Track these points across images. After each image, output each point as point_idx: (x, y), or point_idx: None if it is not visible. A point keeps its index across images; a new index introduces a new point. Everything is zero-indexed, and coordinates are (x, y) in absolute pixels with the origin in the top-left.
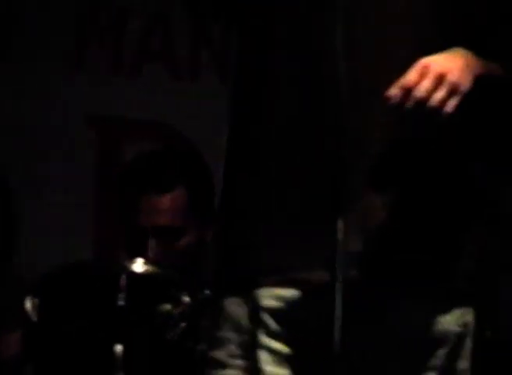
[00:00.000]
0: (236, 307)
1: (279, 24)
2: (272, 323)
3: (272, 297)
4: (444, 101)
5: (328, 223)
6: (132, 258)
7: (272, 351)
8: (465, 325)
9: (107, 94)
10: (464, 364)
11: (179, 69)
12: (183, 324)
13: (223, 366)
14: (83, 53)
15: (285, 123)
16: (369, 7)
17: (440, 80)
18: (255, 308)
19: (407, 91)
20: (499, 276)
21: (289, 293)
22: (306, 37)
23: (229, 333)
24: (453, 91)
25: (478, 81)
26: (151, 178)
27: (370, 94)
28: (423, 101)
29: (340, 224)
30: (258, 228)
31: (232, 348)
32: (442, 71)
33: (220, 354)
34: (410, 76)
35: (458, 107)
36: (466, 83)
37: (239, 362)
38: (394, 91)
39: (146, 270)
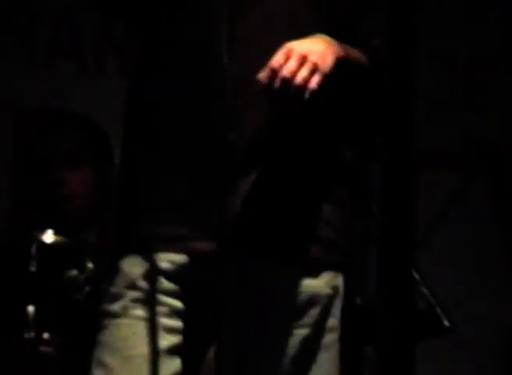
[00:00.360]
0: (132, 268)
1: (169, 23)
2: (165, 283)
3: (166, 261)
4: (307, 79)
5: (214, 198)
6: (43, 229)
7: (167, 306)
8: (335, 288)
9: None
10: (333, 322)
11: (86, 64)
12: (88, 288)
13: (117, 316)
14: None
15: (177, 108)
16: (252, 6)
17: (303, 60)
18: (151, 270)
19: (274, 73)
20: (367, 248)
21: (181, 258)
22: (195, 33)
23: (124, 290)
24: (314, 70)
25: (340, 64)
26: (60, 154)
27: (252, 84)
28: (288, 80)
29: (224, 201)
30: (153, 200)
31: (127, 302)
32: (304, 52)
33: (114, 306)
34: (276, 58)
35: (322, 87)
36: (327, 63)
37: (132, 312)
38: (263, 74)
39: (55, 240)
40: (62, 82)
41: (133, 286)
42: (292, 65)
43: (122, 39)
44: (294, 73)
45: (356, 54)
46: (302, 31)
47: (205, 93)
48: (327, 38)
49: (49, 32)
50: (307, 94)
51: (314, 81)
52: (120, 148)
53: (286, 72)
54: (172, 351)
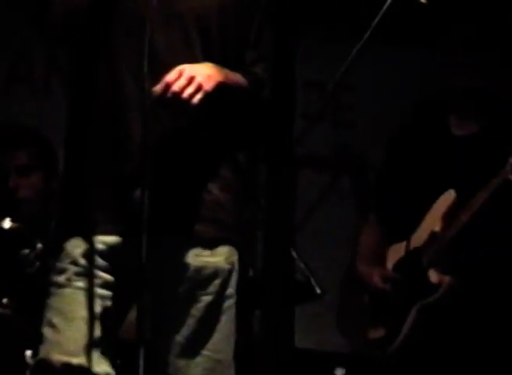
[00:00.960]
0: (74, 248)
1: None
2: (100, 260)
3: (100, 242)
4: (192, 95)
5: (129, 191)
6: (2, 218)
7: (100, 279)
8: (232, 263)
9: None
10: (231, 291)
11: (37, 87)
12: (37, 263)
13: (63, 286)
14: None
15: (101, 122)
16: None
17: (191, 80)
18: (89, 250)
19: (168, 87)
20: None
21: (112, 240)
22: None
23: (68, 265)
24: (199, 89)
25: (220, 86)
26: (14, 166)
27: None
28: (177, 94)
29: (136, 194)
30: (88, 194)
31: (70, 275)
32: (193, 74)
33: (60, 278)
34: (170, 76)
35: (205, 101)
36: (209, 85)
37: (74, 284)
38: (158, 87)
39: (11, 226)
40: (16, 102)
41: (75, 262)
42: (181, 82)
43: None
44: (183, 89)
45: (237, 78)
46: (195, 58)
47: (124, 109)
48: (214, 65)
49: (6, 61)
50: (190, 107)
51: (197, 98)
52: (63, 155)
53: (176, 87)
54: (104, 314)
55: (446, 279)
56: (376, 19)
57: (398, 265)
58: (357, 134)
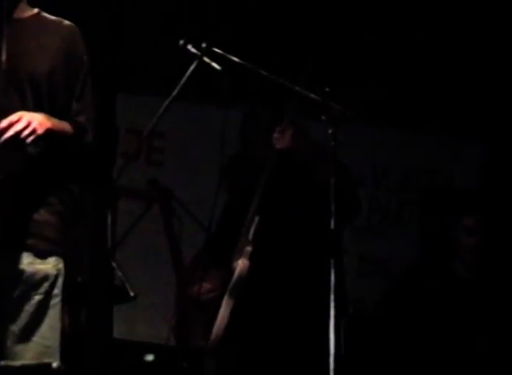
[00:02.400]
0: None
1: None
2: None
3: None
4: (26, 136)
5: None
6: None
7: None
8: (58, 270)
9: None
10: (57, 291)
11: None
12: None
13: None
14: None
15: None
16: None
17: (28, 124)
18: None
19: (9, 126)
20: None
21: None
22: None
23: None
24: (33, 132)
25: (49, 131)
26: None
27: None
28: (16, 134)
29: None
30: None
31: None
32: (29, 120)
33: None
34: (12, 117)
35: (37, 143)
36: (41, 130)
37: None
38: (2, 123)
39: None
40: None
41: None
42: (20, 125)
43: None
44: (20, 131)
45: (63, 126)
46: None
47: None
48: (45, 115)
49: None
50: (25, 145)
51: (30, 138)
52: None
53: (14, 130)
54: None
55: (239, 262)
56: (182, 80)
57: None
58: (164, 171)
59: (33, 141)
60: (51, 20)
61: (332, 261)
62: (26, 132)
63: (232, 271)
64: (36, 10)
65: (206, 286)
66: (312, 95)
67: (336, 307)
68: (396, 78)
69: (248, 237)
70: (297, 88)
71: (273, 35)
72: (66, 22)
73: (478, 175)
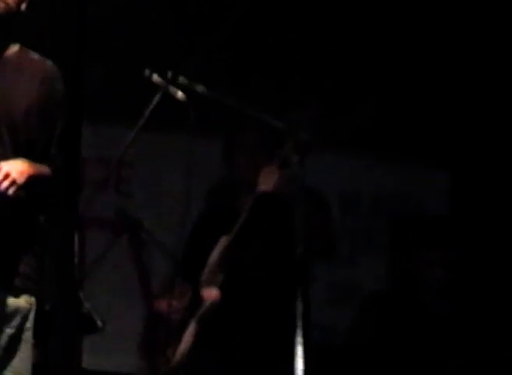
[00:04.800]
0: None
1: None
2: None
3: None
4: (7, 188)
5: None
6: None
7: None
8: (31, 304)
9: None
10: (29, 324)
11: None
12: None
13: None
14: None
15: None
16: None
17: (7, 176)
18: None
19: None
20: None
21: None
22: None
23: None
24: (13, 183)
25: (30, 177)
26: None
27: None
28: None
29: None
30: None
31: None
32: (8, 171)
33: None
34: None
35: (20, 191)
36: (21, 179)
37: None
38: None
39: None
40: None
41: None
42: None
43: None
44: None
45: (42, 169)
46: (6, 155)
47: None
48: (25, 161)
49: None
50: (7, 196)
51: (12, 190)
52: None
53: None
54: None
55: (212, 291)
56: (148, 110)
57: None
58: (133, 201)
59: (14, 192)
60: (33, 59)
61: (299, 289)
62: (5, 184)
63: (201, 296)
64: (17, 47)
65: (175, 304)
66: (278, 123)
67: (303, 335)
68: (364, 105)
69: (218, 264)
70: (263, 117)
71: (242, 64)
72: (48, 62)
73: (447, 202)
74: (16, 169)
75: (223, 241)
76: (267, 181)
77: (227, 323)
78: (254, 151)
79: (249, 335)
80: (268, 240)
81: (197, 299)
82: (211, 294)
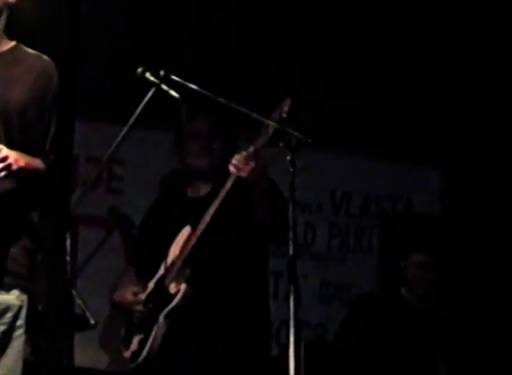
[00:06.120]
0: None
1: None
2: None
3: None
4: (1, 170)
5: None
6: None
7: None
8: (22, 300)
9: None
10: (21, 322)
11: None
12: None
13: None
14: None
15: None
16: None
17: (4, 159)
18: None
19: None
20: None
21: None
22: None
23: None
24: (8, 167)
25: (23, 167)
26: None
27: None
28: None
29: None
30: None
31: None
32: (5, 155)
33: None
34: None
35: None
36: (15, 167)
37: None
38: None
39: None
40: None
41: None
42: None
43: None
44: None
45: (36, 163)
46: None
47: None
48: (20, 153)
49: None
50: None
51: (3, 173)
52: None
53: None
54: None
55: (182, 287)
56: (139, 108)
57: (149, 293)
58: (125, 199)
59: (4, 176)
60: (29, 54)
61: (290, 287)
62: (0, 165)
63: (166, 290)
64: (13, 43)
65: (133, 294)
66: (270, 122)
67: (295, 333)
68: (355, 104)
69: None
70: (254, 116)
71: (234, 63)
72: (44, 57)
73: (438, 201)
74: (13, 156)
75: (185, 232)
76: (242, 169)
77: (196, 320)
78: (207, 139)
79: (220, 332)
80: (240, 229)
81: (162, 292)
82: (180, 289)
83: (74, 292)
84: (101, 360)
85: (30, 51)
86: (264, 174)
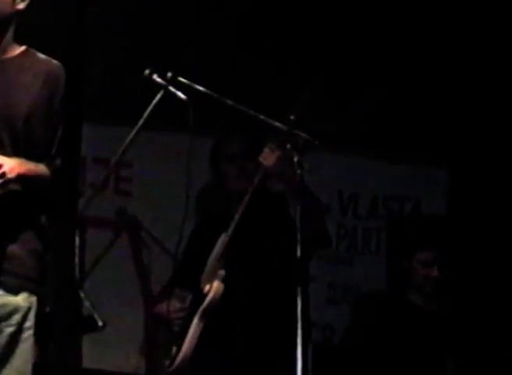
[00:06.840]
0: None
1: None
2: None
3: None
4: None
5: None
6: None
7: None
8: (30, 302)
9: None
10: (29, 323)
11: None
12: None
13: None
14: None
15: None
16: None
17: None
18: None
19: None
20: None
21: None
22: None
23: None
24: (3, 175)
25: (22, 175)
26: None
27: None
28: None
29: None
30: None
31: None
32: (1, 163)
33: None
34: None
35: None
36: (11, 174)
37: None
38: None
39: None
40: None
41: None
42: None
43: None
44: None
45: (38, 169)
46: (6, 154)
47: None
48: (20, 160)
49: None
50: None
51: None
52: None
53: None
54: None
55: (214, 284)
56: (148, 110)
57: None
58: (133, 201)
59: (1, 183)
60: (38, 59)
61: (298, 289)
62: None
63: (201, 293)
64: (23, 48)
65: (175, 304)
66: (277, 124)
67: (303, 334)
68: (362, 105)
69: (220, 260)
70: (262, 117)
71: (234, 63)
72: (54, 62)
73: (446, 202)
74: (9, 164)
75: (222, 239)
76: (268, 158)
77: (228, 320)
78: (242, 161)
79: (250, 333)
80: (272, 232)
81: (199, 297)
82: (215, 287)
83: (82, 294)
84: (109, 362)
85: (40, 55)
86: (290, 162)
